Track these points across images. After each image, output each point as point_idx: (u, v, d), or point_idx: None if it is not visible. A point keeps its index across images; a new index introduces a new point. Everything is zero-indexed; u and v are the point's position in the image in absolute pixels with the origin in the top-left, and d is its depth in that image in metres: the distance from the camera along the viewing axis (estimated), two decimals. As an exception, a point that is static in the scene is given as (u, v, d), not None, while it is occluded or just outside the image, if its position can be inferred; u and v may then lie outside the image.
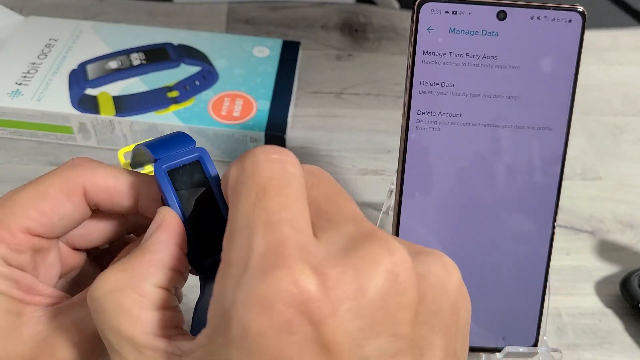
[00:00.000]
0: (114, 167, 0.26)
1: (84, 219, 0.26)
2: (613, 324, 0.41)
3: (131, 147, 0.37)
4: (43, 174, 0.25)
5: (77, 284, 0.28)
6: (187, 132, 0.46)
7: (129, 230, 0.28)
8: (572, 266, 0.44)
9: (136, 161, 0.30)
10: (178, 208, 0.23)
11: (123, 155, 0.39)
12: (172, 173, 0.23)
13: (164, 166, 0.23)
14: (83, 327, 0.23)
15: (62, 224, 0.25)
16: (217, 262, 0.23)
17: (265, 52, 0.53)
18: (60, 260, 0.26)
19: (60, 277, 0.28)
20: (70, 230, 0.26)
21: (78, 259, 0.28)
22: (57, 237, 0.26)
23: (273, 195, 0.19)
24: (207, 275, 0.23)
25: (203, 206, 0.23)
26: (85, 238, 0.27)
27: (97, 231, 0.27)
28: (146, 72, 0.49)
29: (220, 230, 0.23)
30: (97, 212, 0.27)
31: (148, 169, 0.36)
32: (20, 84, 0.47)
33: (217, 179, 0.24)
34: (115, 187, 0.25)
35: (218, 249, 0.23)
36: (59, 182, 0.25)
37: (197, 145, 0.24)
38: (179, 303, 0.24)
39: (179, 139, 0.25)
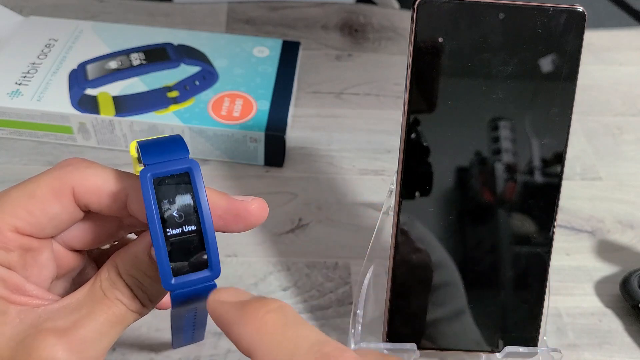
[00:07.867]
0: (105, 168, 0.26)
1: (75, 220, 0.26)
2: (613, 324, 0.41)
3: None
4: (35, 175, 0.25)
5: (77, 284, 0.28)
6: (187, 132, 0.46)
7: (126, 230, 0.28)
8: (572, 266, 0.44)
9: (139, 156, 0.31)
10: (156, 219, 0.23)
11: (135, 148, 0.39)
12: (158, 181, 0.23)
13: (149, 174, 0.23)
14: (62, 331, 0.23)
15: (52, 225, 0.25)
16: (188, 281, 0.23)
17: (265, 52, 0.53)
18: (54, 261, 0.26)
19: (58, 278, 0.27)
20: (61, 231, 0.26)
21: (76, 259, 0.28)
22: (49, 237, 0.26)
23: None
24: (176, 292, 0.23)
25: (184, 221, 0.23)
26: (80, 239, 0.27)
27: (92, 232, 0.27)
28: (146, 72, 0.49)
29: (198, 248, 0.23)
30: (91, 213, 0.27)
31: None
32: (20, 84, 0.47)
33: (203, 194, 0.23)
34: (104, 188, 0.25)
35: (192, 267, 0.23)
36: (48, 183, 0.25)
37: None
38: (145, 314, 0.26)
39: (173, 146, 0.24)
